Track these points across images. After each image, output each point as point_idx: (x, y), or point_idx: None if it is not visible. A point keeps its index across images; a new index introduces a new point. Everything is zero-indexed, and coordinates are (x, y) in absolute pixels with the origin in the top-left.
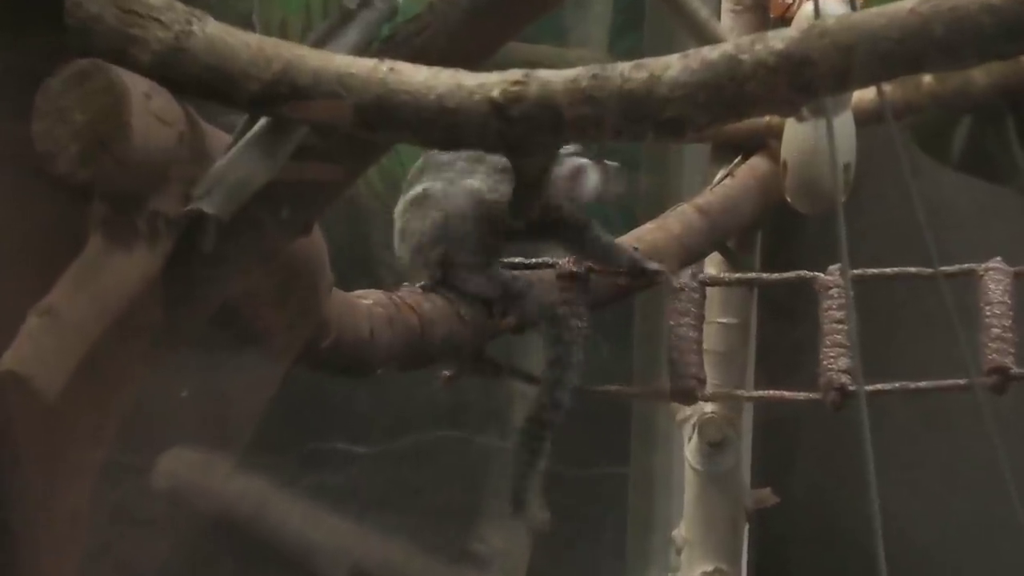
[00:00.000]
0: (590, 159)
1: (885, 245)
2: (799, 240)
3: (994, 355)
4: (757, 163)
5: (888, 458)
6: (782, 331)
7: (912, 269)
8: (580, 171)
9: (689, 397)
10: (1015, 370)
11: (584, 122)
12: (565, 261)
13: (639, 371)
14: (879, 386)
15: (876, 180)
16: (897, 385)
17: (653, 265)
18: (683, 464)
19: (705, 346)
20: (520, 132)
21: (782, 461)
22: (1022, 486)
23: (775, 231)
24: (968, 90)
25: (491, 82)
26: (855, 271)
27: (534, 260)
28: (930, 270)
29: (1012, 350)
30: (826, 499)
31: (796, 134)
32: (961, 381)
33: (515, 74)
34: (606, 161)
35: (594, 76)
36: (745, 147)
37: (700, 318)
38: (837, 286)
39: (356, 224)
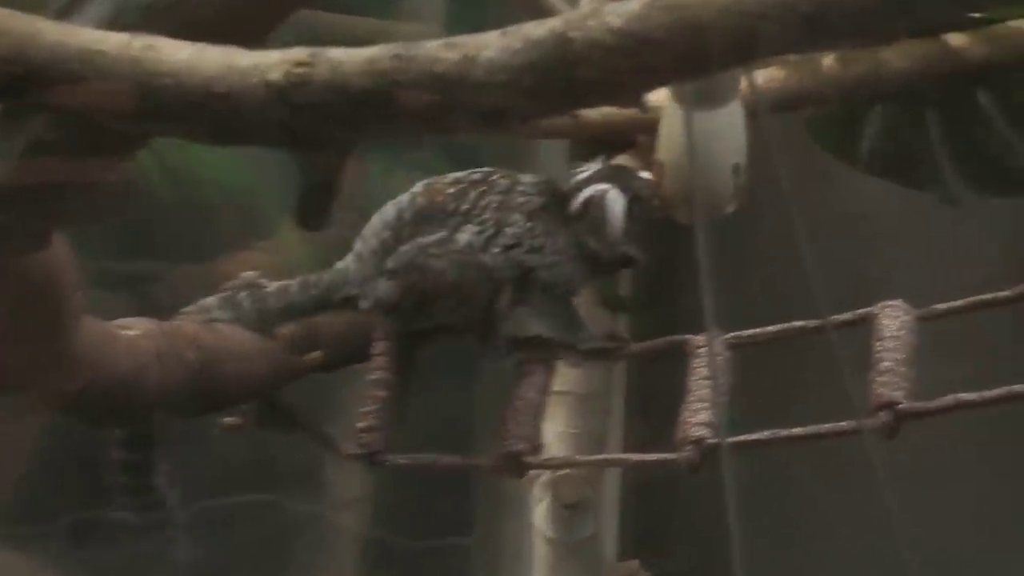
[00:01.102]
0: (613, 179)
1: (793, 260)
2: (681, 257)
3: (882, 390)
4: (624, 163)
5: (793, 522)
6: (662, 370)
7: (798, 323)
8: (598, 202)
9: (517, 467)
10: (905, 404)
11: (385, 112)
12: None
13: (483, 417)
14: (744, 437)
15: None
16: (766, 434)
17: (608, 343)
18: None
19: (562, 387)
20: (307, 123)
21: (657, 527)
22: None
23: (651, 246)
24: (880, 75)
25: (270, 62)
26: (730, 335)
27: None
28: (817, 322)
29: (905, 384)
30: (710, 573)
31: (674, 129)
32: (844, 424)
33: (299, 53)
34: (637, 173)
35: (396, 56)
36: (611, 144)
37: (546, 379)
38: (707, 346)
39: (125, 232)
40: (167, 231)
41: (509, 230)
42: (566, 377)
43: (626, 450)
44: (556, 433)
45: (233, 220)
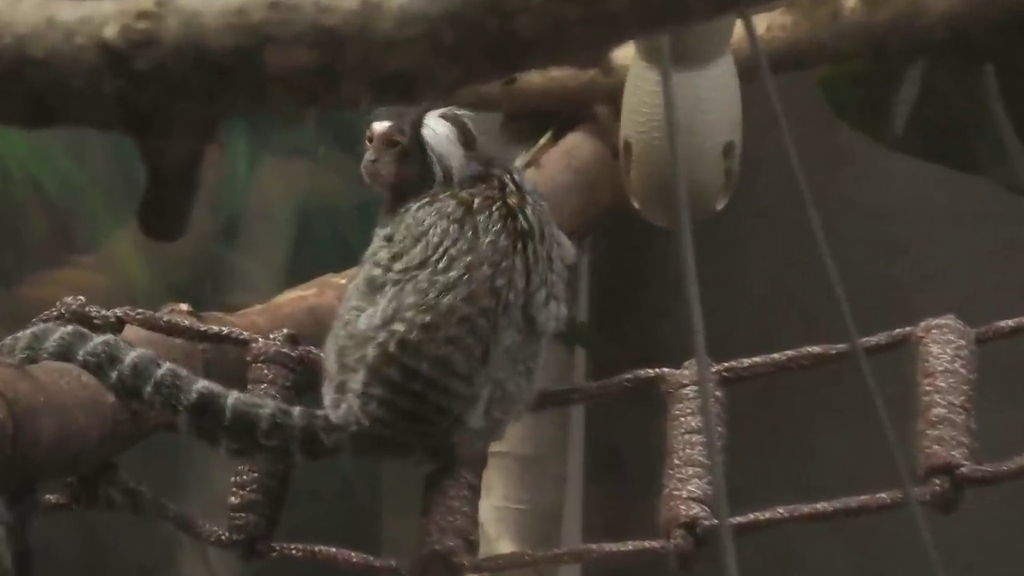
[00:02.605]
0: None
1: (808, 266)
2: (650, 267)
3: (934, 447)
4: (577, 143)
5: None
6: (633, 417)
7: (815, 349)
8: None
9: (447, 570)
10: (968, 468)
11: (259, 80)
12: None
13: (393, 487)
14: (753, 517)
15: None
16: (782, 511)
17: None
18: None
19: (502, 447)
20: (152, 97)
21: None
22: None
23: (611, 253)
24: (918, 20)
25: (103, 15)
26: (721, 366)
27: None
28: (839, 347)
29: (964, 439)
30: None
31: (642, 99)
32: (884, 496)
33: (142, 2)
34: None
35: (273, 5)
36: (558, 117)
37: (486, 453)
38: (693, 384)
39: None
40: None
41: (557, 250)
42: (511, 439)
43: (587, 529)
44: (491, 508)
45: (49, 228)
